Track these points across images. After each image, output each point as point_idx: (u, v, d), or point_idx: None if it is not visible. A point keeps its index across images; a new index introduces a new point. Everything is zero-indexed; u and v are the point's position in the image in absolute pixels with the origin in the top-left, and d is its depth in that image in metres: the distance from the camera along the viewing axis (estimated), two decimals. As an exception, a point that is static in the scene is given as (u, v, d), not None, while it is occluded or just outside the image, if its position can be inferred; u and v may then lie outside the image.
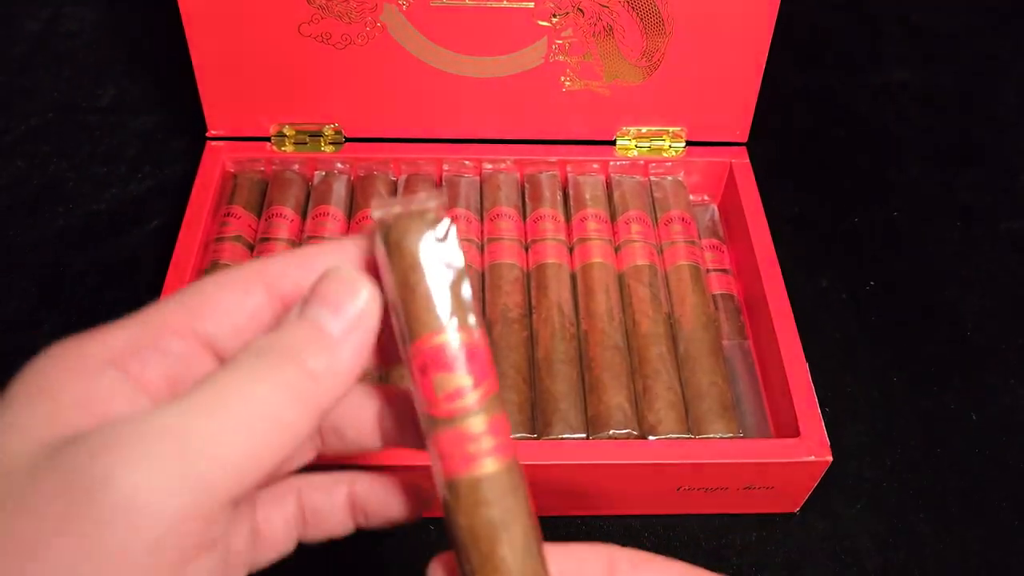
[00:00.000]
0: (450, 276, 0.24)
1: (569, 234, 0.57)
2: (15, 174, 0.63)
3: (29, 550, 0.20)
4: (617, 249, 0.56)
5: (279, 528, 0.28)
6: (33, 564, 0.19)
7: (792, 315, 0.50)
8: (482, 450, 0.24)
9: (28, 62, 0.71)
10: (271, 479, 0.28)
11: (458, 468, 0.24)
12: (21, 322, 0.55)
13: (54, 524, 0.20)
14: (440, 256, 0.24)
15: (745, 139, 0.59)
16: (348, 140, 0.58)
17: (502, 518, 0.24)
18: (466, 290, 0.24)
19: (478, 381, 0.24)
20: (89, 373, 0.23)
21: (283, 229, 0.54)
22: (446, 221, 0.24)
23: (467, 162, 0.59)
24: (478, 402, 0.24)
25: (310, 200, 0.57)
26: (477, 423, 0.24)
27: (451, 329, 0.24)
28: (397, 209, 0.24)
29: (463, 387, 0.24)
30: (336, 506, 0.29)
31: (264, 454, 0.22)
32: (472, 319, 0.24)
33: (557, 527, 0.48)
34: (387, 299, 0.24)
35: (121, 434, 0.20)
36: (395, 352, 0.25)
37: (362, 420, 0.28)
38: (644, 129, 0.59)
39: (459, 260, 0.24)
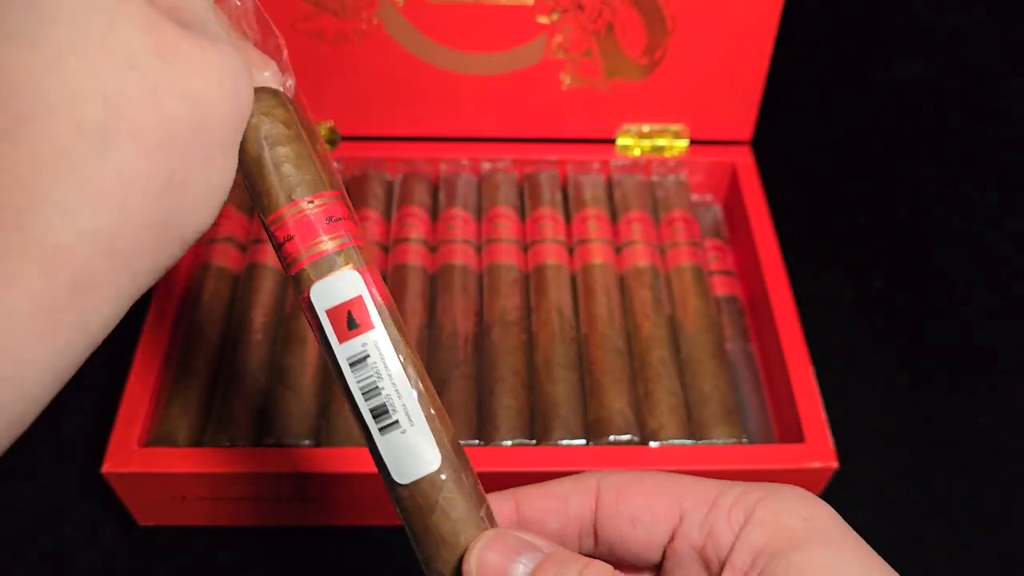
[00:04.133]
0: (282, 152, 0.26)
1: (569, 235, 0.56)
2: None
3: None
4: (618, 250, 0.55)
5: None
6: None
7: (797, 317, 0.49)
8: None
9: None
10: None
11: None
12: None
13: None
14: (267, 134, 0.26)
15: (749, 137, 0.58)
16: (343, 139, 0.57)
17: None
18: (298, 162, 0.26)
19: (333, 236, 0.26)
20: None
21: (277, 230, 0.53)
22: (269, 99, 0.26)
23: (465, 161, 0.58)
24: (336, 251, 0.26)
25: (305, 200, 0.56)
26: (339, 263, 0.25)
27: (300, 202, 0.26)
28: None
29: (320, 244, 0.26)
30: None
31: None
32: (312, 191, 0.26)
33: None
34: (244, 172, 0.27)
35: None
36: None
37: None
38: (645, 127, 0.57)
39: (286, 131, 0.26)
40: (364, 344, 0.25)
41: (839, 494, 0.48)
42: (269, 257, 0.52)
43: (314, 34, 0.52)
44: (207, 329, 0.49)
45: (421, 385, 0.25)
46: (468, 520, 0.25)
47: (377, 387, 0.25)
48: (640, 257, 0.54)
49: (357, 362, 0.25)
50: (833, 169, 0.66)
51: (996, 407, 0.54)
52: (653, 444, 0.46)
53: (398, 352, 0.25)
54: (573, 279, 0.54)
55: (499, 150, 0.58)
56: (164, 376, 0.47)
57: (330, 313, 0.25)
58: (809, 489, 0.46)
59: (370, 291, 0.26)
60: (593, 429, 0.47)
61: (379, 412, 0.25)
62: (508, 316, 0.51)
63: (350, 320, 0.25)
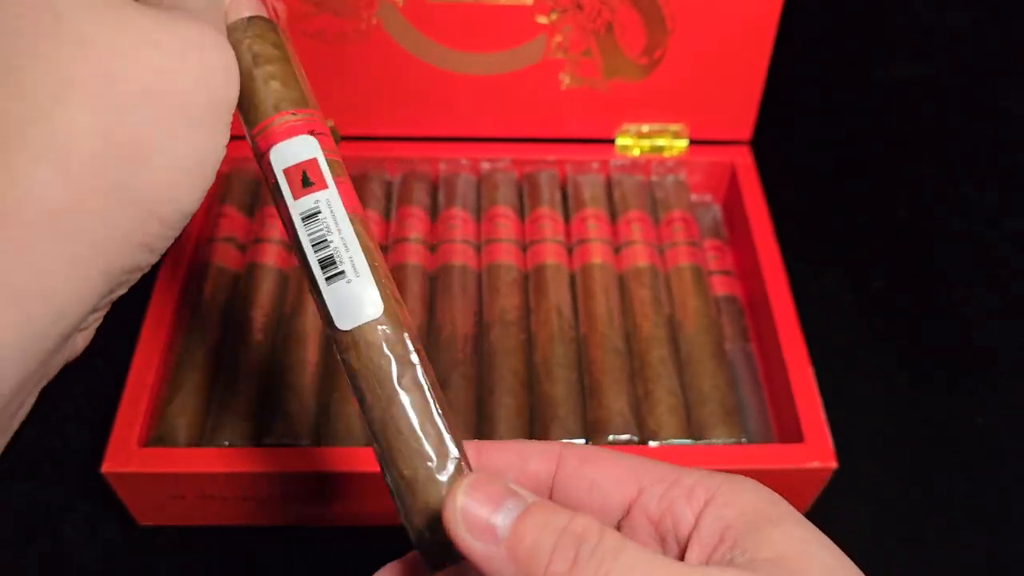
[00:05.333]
0: (270, 69, 0.28)
1: (568, 235, 0.56)
2: None
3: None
4: (617, 250, 0.55)
5: None
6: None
7: (796, 317, 0.49)
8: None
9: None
10: None
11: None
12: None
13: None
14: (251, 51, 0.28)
15: (748, 137, 0.58)
16: (343, 139, 0.57)
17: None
18: (285, 80, 0.28)
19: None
20: None
21: (276, 230, 0.53)
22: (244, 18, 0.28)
23: (464, 161, 0.58)
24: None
25: (304, 200, 0.56)
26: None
27: (284, 114, 0.27)
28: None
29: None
30: None
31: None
32: (294, 104, 0.28)
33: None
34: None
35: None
36: None
37: None
38: (645, 127, 0.57)
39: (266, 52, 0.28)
40: (316, 201, 0.27)
41: (839, 494, 0.48)
42: (269, 257, 0.52)
43: (314, 34, 0.52)
44: (207, 329, 0.49)
45: (369, 243, 0.27)
46: (416, 391, 0.26)
47: (326, 240, 0.27)
48: (639, 257, 0.54)
49: (309, 217, 0.27)
50: (833, 169, 0.66)
51: (996, 407, 0.54)
52: (652, 444, 0.46)
53: (348, 211, 0.27)
54: (572, 279, 0.54)
55: (498, 150, 0.58)
56: (164, 376, 0.47)
57: (287, 172, 0.27)
58: (808, 489, 0.47)
59: (326, 158, 0.27)
60: (592, 429, 0.47)
61: (327, 263, 0.26)
62: (507, 316, 0.51)
63: (304, 179, 0.27)
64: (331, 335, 0.27)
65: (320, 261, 0.26)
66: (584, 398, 0.48)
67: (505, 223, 0.55)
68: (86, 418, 0.50)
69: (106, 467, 0.42)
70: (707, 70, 0.55)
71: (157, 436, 0.45)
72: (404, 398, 0.26)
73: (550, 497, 0.27)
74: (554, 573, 0.21)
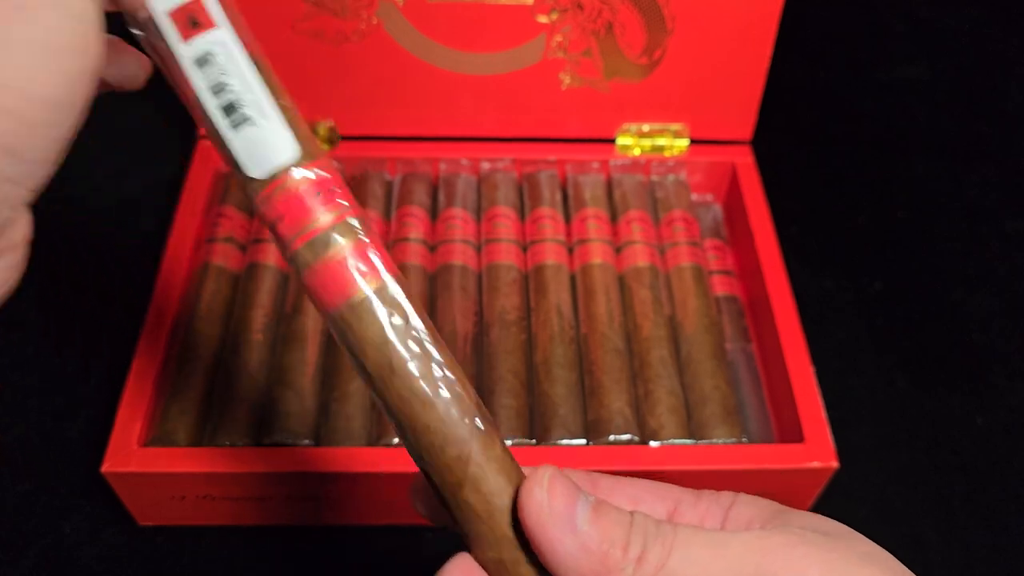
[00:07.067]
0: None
1: (568, 235, 0.56)
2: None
3: None
4: (618, 250, 0.55)
5: None
6: None
7: (797, 317, 0.49)
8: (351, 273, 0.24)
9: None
10: None
11: (333, 299, 0.24)
12: (8, 323, 0.54)
13: None
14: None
15: (749, 137, 0.58)
16: (343, 138, 0.57)
17: (388, 337, 0.24)
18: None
19: (329, 209, 0.24)
20: None
21: (276, 230, 0.53)
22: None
23: (464, 161, 0.58)
24: (331, 226, 0.24)
25: (304, 200, 0.56)
26: (338, 248, 0.24)
27: (291, 173, 0.24)
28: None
29: (315, 218, 0.24)
30: None
31: None
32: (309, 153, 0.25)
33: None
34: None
35: None
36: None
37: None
38: (645, 127, 0.57)
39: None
40: (209, 43, 0.24)
41: (839, 494, 0.48)
42: (269, 257, 0.52)
43: (314, 34, 0.52)
44: (207, 329, 0.49)
45: (275, 83, 0.25)
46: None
47: (226, 84, 0.24)
48: (640, 257, 0.54)
49: (203, 61, 0.24)
50: (833, 169, 0.66)
51: (996, 407, 0.54)
52: (653, 444, 0.46)
53: (247, 51, 0.25)
54: (573, 279, 0.54)
55: (498, 150, 0.58)
56: (164, 376, 0.47)
57: (173, 15, 0.24)
58: (808, 489, 0.47)
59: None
60: (593, 429, 0.47)
61: (230, 108, 0.24)
62: (507, 316, 0.51)
63: (192, 20, 0.24)
64: (246, 189, 0.25)
65: (223, 108, 0.24)
66: (584, 398, 0.48)
67: (505, 223, 0.55)
68: (86, 418, 0.50)
69: (106, 467, 0.42)
70: (707, 70, 0.55)
71: (157, 436, 0.45)
72: (334, 234, 0.24)
73: None
74: (633, 556, 0.24)
